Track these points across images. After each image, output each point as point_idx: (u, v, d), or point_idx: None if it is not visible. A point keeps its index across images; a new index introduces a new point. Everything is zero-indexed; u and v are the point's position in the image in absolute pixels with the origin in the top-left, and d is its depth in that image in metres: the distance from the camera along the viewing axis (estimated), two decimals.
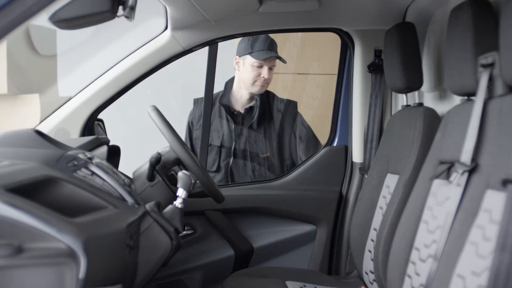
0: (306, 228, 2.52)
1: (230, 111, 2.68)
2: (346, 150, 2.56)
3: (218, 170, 2.69)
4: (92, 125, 2.31)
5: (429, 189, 1.45)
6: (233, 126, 2.66)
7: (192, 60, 2.55)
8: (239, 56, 2.66)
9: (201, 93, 2.65)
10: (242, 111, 2.68)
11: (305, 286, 2.08)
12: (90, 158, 1.49)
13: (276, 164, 2.69)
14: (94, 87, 2.29)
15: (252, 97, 2.69)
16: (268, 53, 2.60)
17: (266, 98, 2.70)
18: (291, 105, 2.73)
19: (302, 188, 2.51)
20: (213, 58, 2.55)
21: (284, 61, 2.68)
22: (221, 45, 2.46)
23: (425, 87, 2.02)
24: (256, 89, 2.64)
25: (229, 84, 2.73)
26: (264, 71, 2.60)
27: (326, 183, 2.54)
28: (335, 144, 2.62)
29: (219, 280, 2.22)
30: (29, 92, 2.70)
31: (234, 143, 2.65)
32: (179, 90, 3.85)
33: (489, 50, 1.26)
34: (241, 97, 2.69)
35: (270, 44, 2.62)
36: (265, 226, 2.46)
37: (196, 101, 2.77)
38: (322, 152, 2.59)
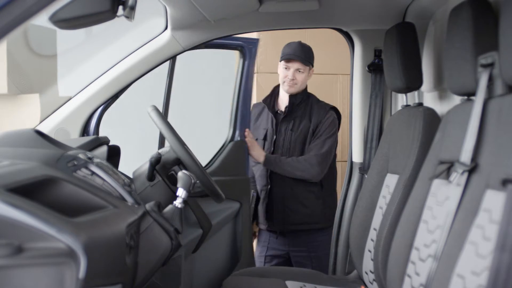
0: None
1: (274, 110, 2.93)
2: (241, 144, 2.76)
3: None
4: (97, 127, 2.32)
5: (429, 189, 1.46)
6: (275, 122, 2.89)
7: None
8: (279, 62, 2.90)
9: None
10: (283, 109, 2.91)
11: (305, 286, 2.08)
12: (90, 158, 1.49)
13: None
14: (94, 87, 2.29)
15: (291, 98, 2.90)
16: (290, 56, 2.83)
17: (303, 99, 2.89)
18: (323, 109, 2.88)
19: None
20: (172, 70, 2.61)
21: (307, 64, 2.84)
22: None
23: (425, 87, 2.02)
24: (285, 88, 2.86)
25: (277, 87, 3.00)
26: (289, 72, 2.82)
27: (233, 173, 2.69)
28: (236, 138, 2.76)
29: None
30: (29, 92, 2.70)
31: (274, 138, 2.88)
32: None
33: (489, 50, 1.26)
34: (282, 97, 2.93)
35: (296, 49, 2.84)
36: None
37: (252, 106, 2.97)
38: (229, 146, 2.73)
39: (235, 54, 2.87)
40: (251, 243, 2.76)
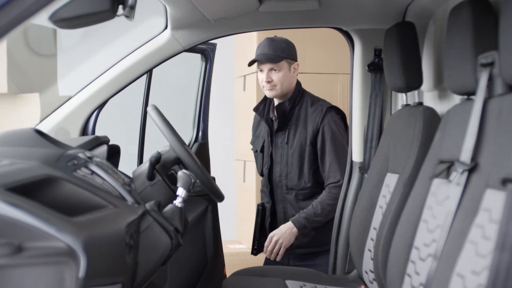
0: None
1: (269, 118, 2.64)
2: (206, 145, 2.83)
3: (262, 175, 2.73)
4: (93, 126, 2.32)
5: (428, 189, 1.45)
6: (270, 133, 2.63)
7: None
8: None
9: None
10: (273, 117, 2.64)
11: (304, 285, 2.08)
12: (90, 158, 1.49)
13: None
14: (94, 86, 2.29)
15: (279, 106, 2.59)
16: (258, 57, 2.55)
17: (295, 103, 2.58)
18: (318, 112, 2.54)
19: None
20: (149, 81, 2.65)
21: (279, 61, 2.51)
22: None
23: (425, 86, 2.02)
24: (267, 93, 2.59)
25: None
26: (263, 75, 2.54)
27: None
28: (200, 140, 2.83)
29: None
30: (29, 91, 2.70)
31: (271, 151, 2.63)
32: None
33: (489, 49, 1.25)
34: (273, 103, 2.64)
35: (264, 47, 2.54)
36: None
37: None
38: (195, 147, 2.79)
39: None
40: (220, 243, 2.73)
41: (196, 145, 2.81)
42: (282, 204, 2.60)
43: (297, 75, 2.61)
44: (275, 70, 2.52)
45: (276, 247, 2.43)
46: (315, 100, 2.61)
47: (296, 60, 2.60)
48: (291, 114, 2.57)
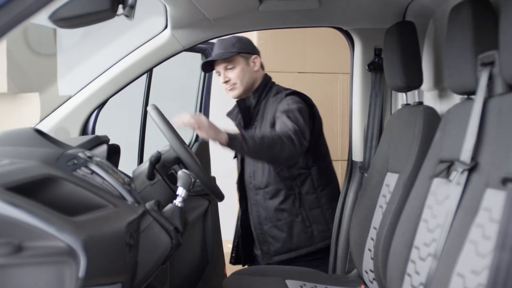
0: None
1: (240, 124, 2.47)
2: (206, 144, 2.81)
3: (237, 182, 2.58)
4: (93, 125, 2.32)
5: (429, 188, 1.45)
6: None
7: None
8: None
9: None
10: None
11: (304, 285, 2.08)
12: (90, 157, 1.49)
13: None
14: (94, 86, 2.29)
15: (238, 103, 2.43)
16: (210, 60, 2.37)
17: (259, 99, 2.40)
18: (278, 99, 2.32)
19: None
20: (149, 83, 2.66)
21: (231, 56, 2.32)
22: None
23: (425, 86, 2.02)
24: (230, 95, 2.42)
25: None
26: (220, 77, 2.38)
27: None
28: (200, 140, 2.85)
29: None
30: (29, 91, 2.70)
31: (241, 156, 2.52)
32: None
33: (489, 48, 1.25)
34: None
35: (215, 49, 2.37)
36: None
37: None
38: (196, 146, 2.80)
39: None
40: (220, 242, 2.72)
41: (196, 144, 2.81)
42: (256, 207, 2.43)
43: (258, 69, 2.39)
44: (230, 68, 2.34)
45: (190, 121, 1.90)
46: (281, 90, 2.38)
47: (255, 53, 2.39)
48: (256, 111, 2.39)
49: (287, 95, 2.30)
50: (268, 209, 2.38)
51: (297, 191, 2.37)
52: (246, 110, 2.40)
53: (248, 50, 2.38)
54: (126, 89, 2.32)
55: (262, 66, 2.44)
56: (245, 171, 2.45)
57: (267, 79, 2.43)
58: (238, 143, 1.96)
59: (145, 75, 2.47)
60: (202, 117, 1.93)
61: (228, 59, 2.33)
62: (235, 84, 2.35)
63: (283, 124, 2.12)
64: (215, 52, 2.36)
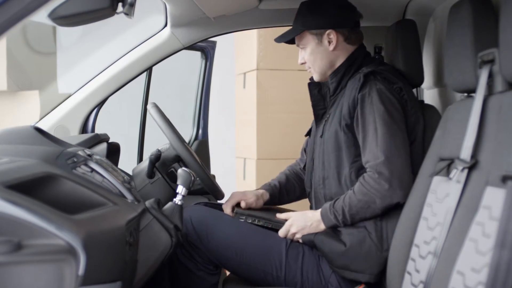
0: None
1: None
2: (206, 143, 2.80)
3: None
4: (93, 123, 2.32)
5: (429, 186, 1.45)
6: (314, 125, 2.09)
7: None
8: None
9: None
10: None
11: None
12: (90, 155, 1.49)
13: None
14: (93, 84, 2.29)
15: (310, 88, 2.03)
16: (276, 41, 2.01)
17: (338, 83, 1.91)
18: (356, 80, 1.82)
19: None
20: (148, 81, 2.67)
21: (301, 32, 1.90)
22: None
23: (425, 84, 2.02)
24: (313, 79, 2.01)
25: None
26: (299, 58, 1.97)
27: None
28: (200, 138, 2.85)
29: None
30: (29, 89, 2.70)
31: (312, 149, 2.05)
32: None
33: (489, 46, 1.25)
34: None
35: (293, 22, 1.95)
36: None
37: None
38: (195, 144, 2.79)
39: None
40: None
41: (196, 142, 2.81)
42: None
43: (338, 46, 1.88)
44: (302, 48, 1.94)
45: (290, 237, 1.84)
46: (361, 67, 1.87)
47: (330, 27, 1.86)
48: (333, 100, 1.91)
49: (366, 75, 1.78)
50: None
51: None
52: (320, 98, 1.96)
53: (318, 24, 1.87)
54: (125, 87, 2.32)
55: (351, 38, 1.90)
56: (314, 176, 1.95)
57: (354, 57, 1.89)
58: (334, 225, 1.78)
59: (145, 73, 2.47)
60: (294, 234, 1.83)
61: (297, 36, 1.92)
62: (309, 67, 1.95)
63: (372, 147, 1.71)
64: (285, 33, 1.97)
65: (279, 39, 1.98)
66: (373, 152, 1.70)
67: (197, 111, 2.92)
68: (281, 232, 1.84)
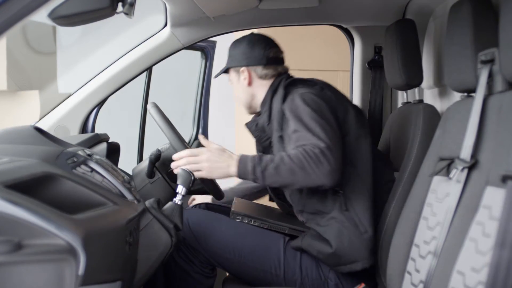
0: None
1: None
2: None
3: None
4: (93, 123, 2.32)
5: (428, 186, 1.45)
6: None
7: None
8: None
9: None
10: None
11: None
12: (90, 155, 1.49)
13: None
14: (93, 84, 2.29)
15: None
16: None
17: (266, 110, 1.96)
18: (279, 93, 1.91)
19: None
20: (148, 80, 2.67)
21: (227, 71, 2.06)
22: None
23: (425, 83, 2.02)
24: None
25: None
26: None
27: None
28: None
29: None
30: (29, 88, 2.70)
31: None
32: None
33: (489, 46, 1.25)
34: None
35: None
36: None
37: None
38: (195, 144, 2.81)
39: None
40: None
41: (196, 142, 2.81)
42: None
43: (252, 81, 1.99)
44: (231, 84, 2.08)
45: (186, 166, 1.69)
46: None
47: (244, 65, 1.99)
48: (272, 125, 1.91)
49: (287, 85, 1.90)
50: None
51: None
52: (260, 130, 1.98)
53: (236, 62, 2.01)
54: (125, 87, 2.32)
55: (263, 74, 1.99)
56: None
57: (275, 85, 1.95)
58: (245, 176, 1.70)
59: (145, 73, 2.47)
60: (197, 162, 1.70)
61: (228, 74, 2.07)
62: (237, 101, 2.08)
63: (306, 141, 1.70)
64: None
65: (215, 75, 2.17)
66: (311, 139, 1.67)
67: (197, 110, 2.93)
68: (192, 150, 1.72)
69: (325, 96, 1.84)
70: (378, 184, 1.86)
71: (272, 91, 1.93)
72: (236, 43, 2.04)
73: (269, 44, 2.02)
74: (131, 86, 2.36)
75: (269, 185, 1.71)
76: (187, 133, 2.97)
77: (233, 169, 1.70)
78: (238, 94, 2.04)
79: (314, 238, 1.80)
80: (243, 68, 1.98)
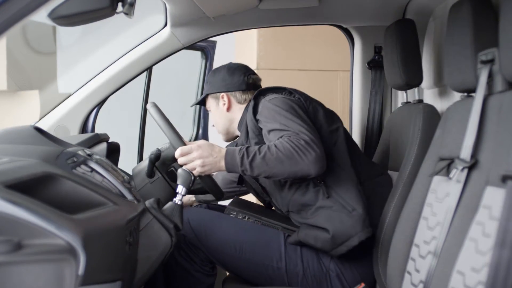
0: None
1: None
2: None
3: None
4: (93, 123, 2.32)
5: (428, 186, 1.45)
6: None
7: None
8: None
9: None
10: None
11: None
12: (90, 155, 1.49)
13: None
14: (93, 84, 2.29)
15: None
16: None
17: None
18: (250, 105, 1.97)
19: None
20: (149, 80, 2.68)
21: (205, 98, 2.14)
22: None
23: (425, 83, 2.02)
24: None
25: None
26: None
27: None
28: (200, 137, 2.87)
29: None
30: (29, 88, 2.70)
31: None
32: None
33: (489, 46, 1.25)
34: None
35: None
36: None
37: None
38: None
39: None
40: None
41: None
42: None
43: (232, 105, 2.08)
44: (209, 111, 2.17)
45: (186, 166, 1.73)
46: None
47: (224, 91, 2.07)
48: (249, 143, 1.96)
49: (256, 95, 1.95)
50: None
51: None
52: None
53: (214, 89, 2.09)
54: (125, 87, 2.32)
55: (242, 99, 2.08)
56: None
57: (247, 105, 2.03)
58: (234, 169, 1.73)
59: (145, 72, 2.47)
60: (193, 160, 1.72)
61: (207, 101, 2.14)
62: (218, 130, 2.15)
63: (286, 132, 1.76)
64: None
65: (194, 104, 2.26)
66: (294, 130, 1.72)
67: (198, 110, 2.93)
68: (182, 149, 1.73)
69: (294, 99, 1.89)
70: (363, 172, 1.90)
71: (245, 109, 2.02)
72: (215, 71, 2.13)
73: (248, 71, 2.12)
74: (131, 86, 2.36)
75: (257, 175, 1.73)
76: (187, 133, 2.97)
77: (222, 164, 1.72)
78: (216, 120, 2.12)
79: (308, 228, 1.83)
80: (222, 94, 2.07)
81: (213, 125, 2.17)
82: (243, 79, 2.08)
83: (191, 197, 2.38)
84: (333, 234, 1.76)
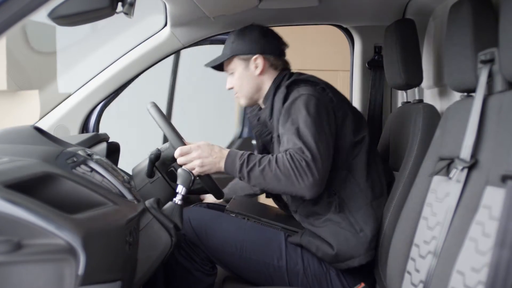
0: None
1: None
2: (250, 141, 2.75)
3: None
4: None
5: (428, 186, 1.45)
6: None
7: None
8: None
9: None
10: None
11: None
12: (90, 155, 1.49)
13: None
14: (93, 84, 2.29)
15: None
16: (208, 66, 2.05)
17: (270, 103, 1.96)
18: (281, 91, 1.90)
19: None
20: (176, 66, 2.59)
21: (230, 59, 1.98)
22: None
23: (425, 83, 2.02)
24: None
25: None
26: (227, 84, 2.03)
27: None
28: (245, 136, 2.83)
29: None
30: (29, 88, 2.70)
31: None
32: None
33: (489, 46, 1.25)
34: None
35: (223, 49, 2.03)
36: None
37: None
38: (238, 143, 2.78)
39: None
40: None
41: (239, 141, 2.78)
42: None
43: (264, 70, 1.96)
44: (231, 73, 2.00)
45: (185, 166, 1.75)
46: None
47: (257, 53, 1.95)
48: (273, 120, 1.91)
49: (289, 85, 1.87)
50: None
51: None
52: (262, 125, 2.00)
53: (246, 50, 1.95)
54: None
55: (275, 65, 1.98)
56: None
57: (279, 79, 1.95)
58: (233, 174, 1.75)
59: (172, 58, 2.44)
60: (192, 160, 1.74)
61: (225, 62, 1.99)
62: (236, 93, 2.00)
63: (291, 144, 1.73)
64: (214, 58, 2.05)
65: (209, 64, 2.04)
66: (299, 146, 1.70)
67: (243, 110, 2.88)
68: (182, 149, 1.75)
69: (326, 99, 1.84)
70: (379, 185, 1.88)
71: (275, 87, 1.93)
72: (244, 31, 1.98)
73: (281, 37, 2.04)
74: (131, 86, 2.36)
75: (253, 185, 1.77)
76: (229, 132, 2.93)
77: (221, 165, 1.75)
78: (242, 84, 1.97)
79: (312, 235, 1.84)
80: (256, 56, 1.95)
81: (230, 88, 2.01)
82: (277, 44, 2.00)
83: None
84: (336, 252, 1.77)
